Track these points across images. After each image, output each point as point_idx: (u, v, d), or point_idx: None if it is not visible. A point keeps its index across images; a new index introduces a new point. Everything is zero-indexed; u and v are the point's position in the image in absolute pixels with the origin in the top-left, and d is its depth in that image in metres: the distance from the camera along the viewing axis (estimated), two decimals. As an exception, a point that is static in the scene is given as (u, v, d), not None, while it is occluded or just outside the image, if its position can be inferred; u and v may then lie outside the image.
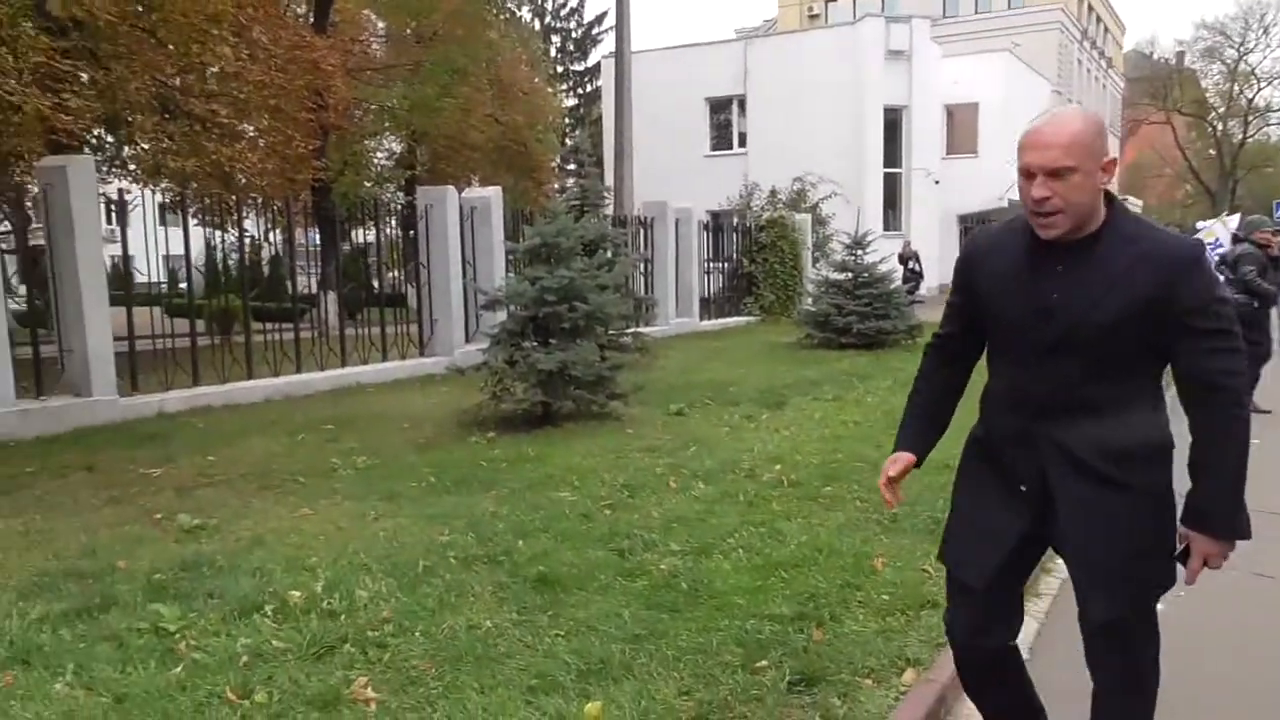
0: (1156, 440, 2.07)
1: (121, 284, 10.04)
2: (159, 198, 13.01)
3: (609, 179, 18.55)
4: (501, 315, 8.52)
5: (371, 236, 15.38)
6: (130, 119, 11.84)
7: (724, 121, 29.56)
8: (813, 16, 44.93)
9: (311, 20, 19.02)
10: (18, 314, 12.12)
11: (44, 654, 3.39)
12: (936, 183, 27.42)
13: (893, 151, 26.72)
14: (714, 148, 29.47)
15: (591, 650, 3.33)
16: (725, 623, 3.58)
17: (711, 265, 19.03)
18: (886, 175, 26.65)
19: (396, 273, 15.72)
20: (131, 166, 14.02)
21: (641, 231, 16.39)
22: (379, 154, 26.98)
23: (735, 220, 20.66)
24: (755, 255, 19.46)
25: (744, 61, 28.23)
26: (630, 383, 8.43)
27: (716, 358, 12.61)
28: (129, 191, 10.43)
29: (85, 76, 11.07)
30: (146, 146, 12.68)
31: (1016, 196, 2.10)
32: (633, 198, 17.45)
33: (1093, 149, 1.95)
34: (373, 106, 22.74)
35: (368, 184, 24.65)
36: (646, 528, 4.80)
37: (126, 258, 9.25)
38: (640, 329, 11.07)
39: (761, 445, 6.85)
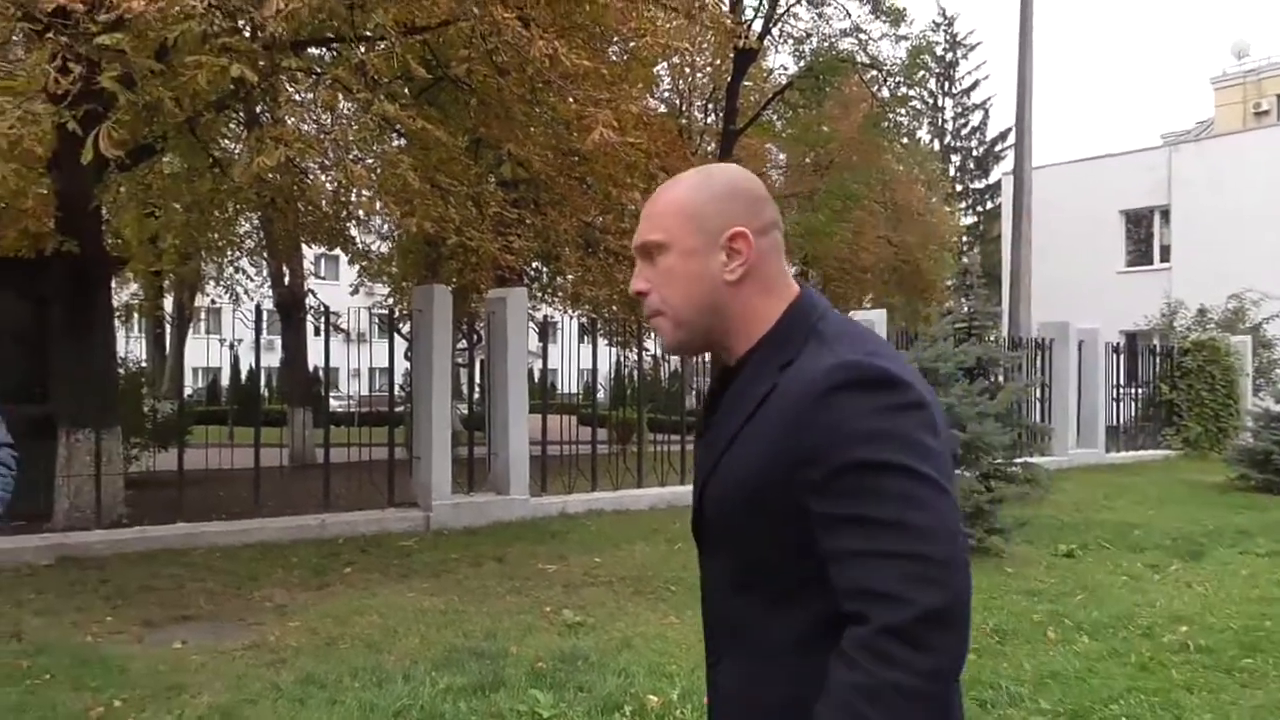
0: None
1: (542, 395, 11.50)
2: (577, 321, 14.81)
3: (1005, 298, 17.72)
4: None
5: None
6: (559, 254, 13.70)
7: (1142, 235, 27.00)
8: (1260, 113, 39.94)
9: (718, 159, 20.81)
10: (462, 418, 14.32)
11: (444, 721, 3.94)
12: None
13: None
14: (1129, 263, 26.93)
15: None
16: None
17: (1123, 392, 17.21)
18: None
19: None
20: (558, 294, 16.12)
21: (1039, 354, 15.36)
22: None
23: (1155, 342, 18.60)
24: (1178, 381, 17.29)
25: (1168, 168, 25.74)
26: (1013, 518, 7.87)
27: (1122, 495, 11.29)
28: (552, 317, 12.01)
29: (528, 221, 13.10)
30: (571, 277, 14.56)
31: None
32: (1030, 318, 16.48)
33: (699, 217, 1.27)
34: (769, 233, 23.92)
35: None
36: (1015, 679, 4.43)
37: (546, 372, 10.61)
38: (1031, 459, 10.31)
39: (1166, 600, 6.02)
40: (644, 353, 12.72)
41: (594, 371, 11.13)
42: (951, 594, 1.08)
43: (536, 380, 12.97)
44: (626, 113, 9.30)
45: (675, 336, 1.31)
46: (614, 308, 14.18)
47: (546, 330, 10.76)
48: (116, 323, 10.56)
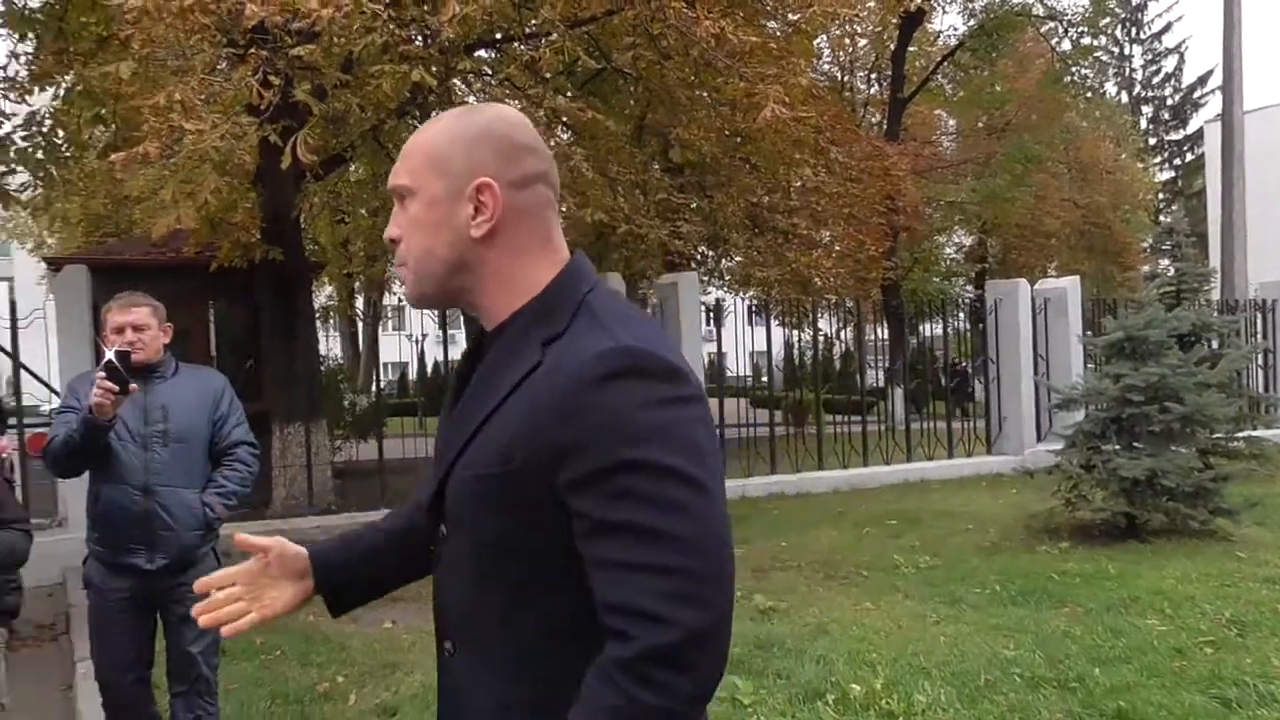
0: None
1: (715, 378, 11.46)
2: (747, 303, 14.66)
3: (1214, 259, 16.25)
4: (1078, 415, 7.91)
5: (939, 331, 15.46)
6: (726, 237, 13.60)
7: (1377, 179, 24.13)
8: None
9: (884, 129, 20.09)
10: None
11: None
12: None
13: None
14: (1362, 212, 24.15)
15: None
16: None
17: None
18: None
19: (965, 366, 15.54)
20: (726, 277, 16.01)
21: (1260, 317, 13.99)
22: (948, 249, 27.12)
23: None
24: None
25: (1406, 103, 22.88)
26: (1242, 497, 7.18)
27: (1370, 471, 10.11)
28: (723, 299, 11.93)
29: (694, 205, 13.06)
30: (739, 259, 14.43)
31: None
32: (1245, 279, 15.03)
33: (442, 161, 1.12)
34: (941, 203, 23.04)
35: (936, 279, 24.86)
36: (1263, 676, 4.01)
37: (720, 355, 10.55)
38: (1258, 433, 9.39)
39: None
40: (817, 333, 12.44)
41: (768, 353, 10.98)
42: (717, 614, 1.00)
43: (708, 364, 12.92)
44: (795, 86, 9.05)
45: (416, 289, 1.18)
46: (784, 288, 13.95)
47: (717, 313, 10.70)
48: (317, 323, 11.30)
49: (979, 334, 12.86)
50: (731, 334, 11.40)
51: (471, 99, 12.62)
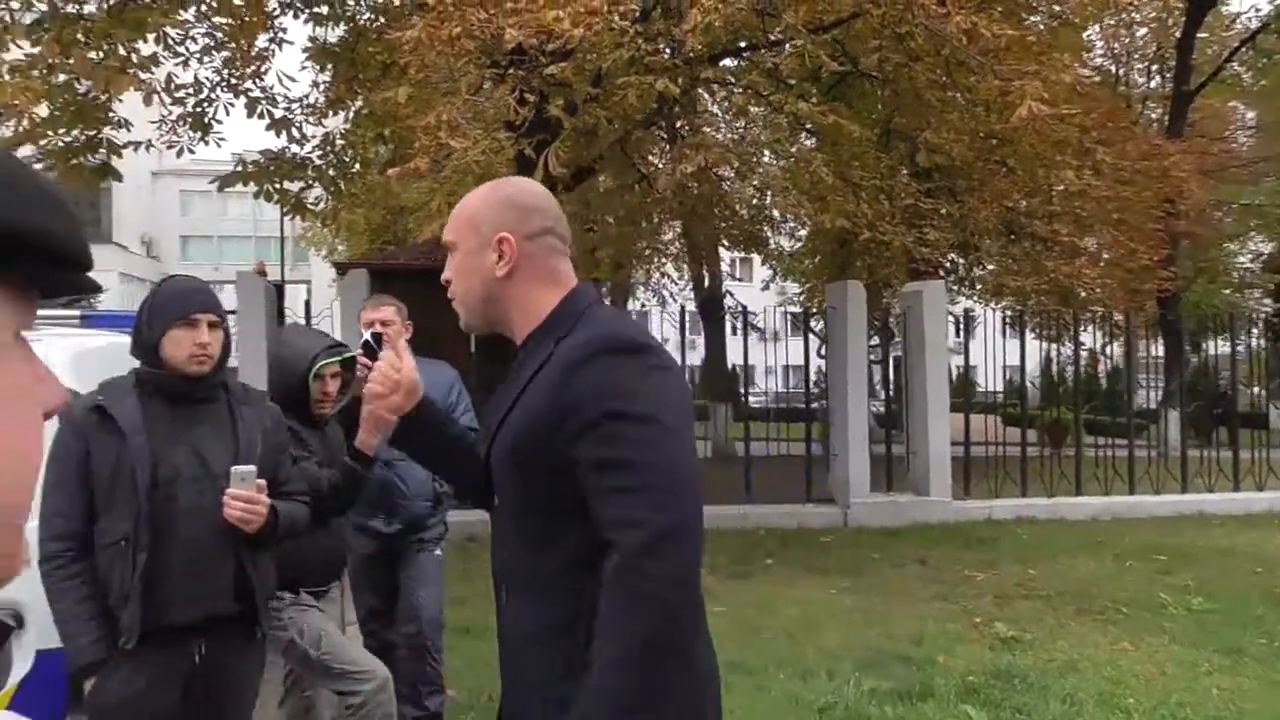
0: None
1: (962, 393, 10.89)
2: (1000, 314, 13.82)
3: None
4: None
5: (1226, 349, 13.83)
6: (978, 244, 12.89)
7: None
8: None
9: (1165, 125, 18.25)
10: (877, 416, 14.05)
11: (870, 724, 3.82)
12: None
13: None
14: None
15: None
16: None
17: None
18: None
19: (1257, 390, 13.81)
20: (977, 286, 15.19)
21: None
22: (1241, 258, 24.22)
23: None
24: None
25: None
26: None
27: None
28: (971, 310, 11.32)
29: (943, 211, 12.48)
30: (992, 267, 13.62)
31: None
32: None
33: (477, 222, 1.53)
34: (1234, 206, 20.60)
35: (1225, 291, 22.28)
36: None
37: (968, 369, 10.02)
38: None
39: None
40: (1079, 347, 11.50)
41: (1021, 368, 10.28)
42: (680, 516, 1.29)
43: (956, 377, 12.32)
44: (1057, 83, 8.44)
45: (465, 319, 1.56)
46: (1041, 298, 13.02)
47: (966, 324, 10.16)
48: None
49: (1277, 354, 11.39)
50: (982, 347, 10.79)
51: (715, 108, 12.78)
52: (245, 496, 2.24)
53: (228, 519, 2.24)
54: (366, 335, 3.18)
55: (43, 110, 6.36)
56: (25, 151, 9.13)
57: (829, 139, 10.22)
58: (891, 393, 11.90)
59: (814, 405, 10.06)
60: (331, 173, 8.68)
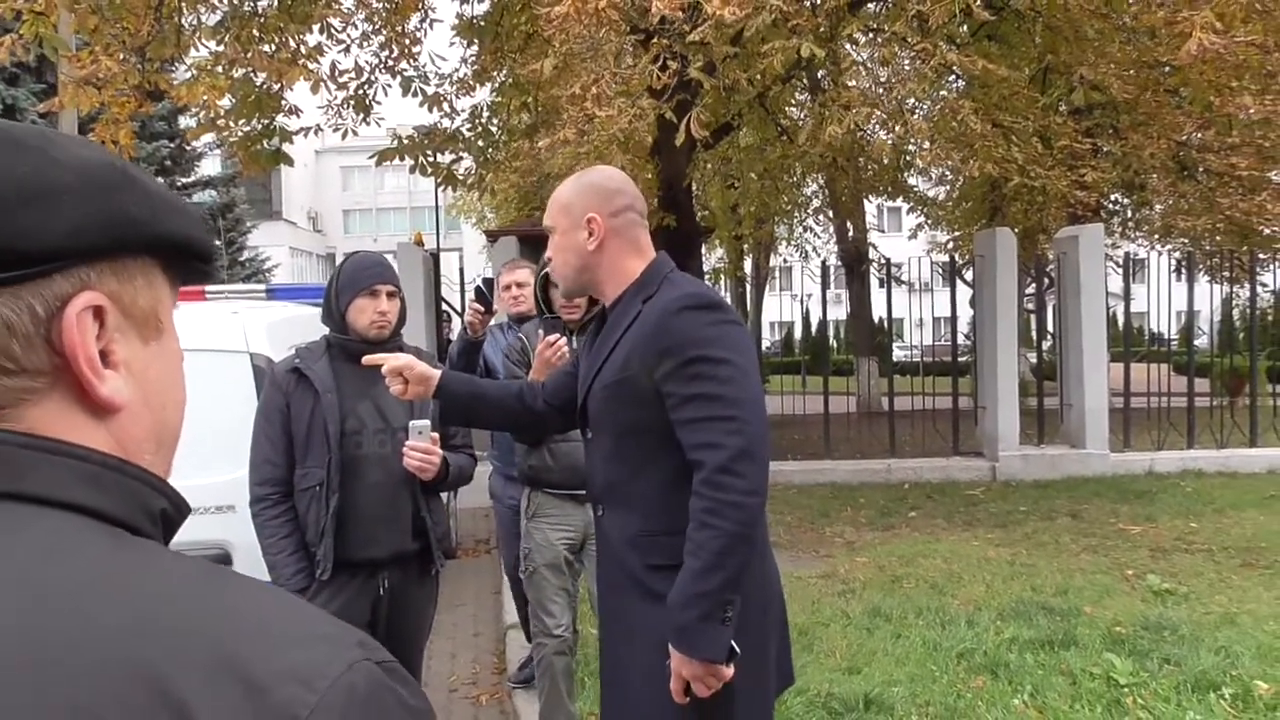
0: None
1: (1126, 342, 10.40)
2: (1169, 256, 13.04)
3: None
4: None
5: None
6: (1144, 183, 12.16)
7: None
8: None
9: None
10: (1032, 367, 13.57)
11: (1009, 670, 3.88)
12: None
13: None
14: None
15: None
16: None
17: None
18: None
19: None
20: (1143, 228, 14.35)
21: None
22: None
23: None
24: None
25: None
26: None
27: None
28: (1135, 254, 10.75)
29: (1105, 150, 11.81)
30: (1160, 207, 12.84)
31: None
32: None
33: (569, 207, 1.85)
34: None
35: None
36: None
37: (1128, 315, 9.57)
38: None
39: None
40: (1259, 288, 10.73)
41: (1189, 313, 9.73)
42: (751, 438, 1.63)
43: (1120, 325, 11.75)
44: (1233, 3, 7.85)
45: (564, 287, 1.96)
46: (1217, 238, 12.18)
47: (1128, 268, 9.67)
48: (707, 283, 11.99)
49: None
50: (1149, 292, 10.24)
51: (858, 55, 12.48)
52: (422, 448, 2.50)
53: (406, 467, 2.51)
54: (478, 281, 3.52)
55: (225, 103, 6.98)
56: (207, 139, 9.98)
57: (978, 83, 9.86)
58: (1049, 343, 11.48)
59: (963, 358, 9.86)
60: (480, 143, 9.09)
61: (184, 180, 22.18)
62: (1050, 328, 11.16)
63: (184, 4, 6.37)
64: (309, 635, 0.52)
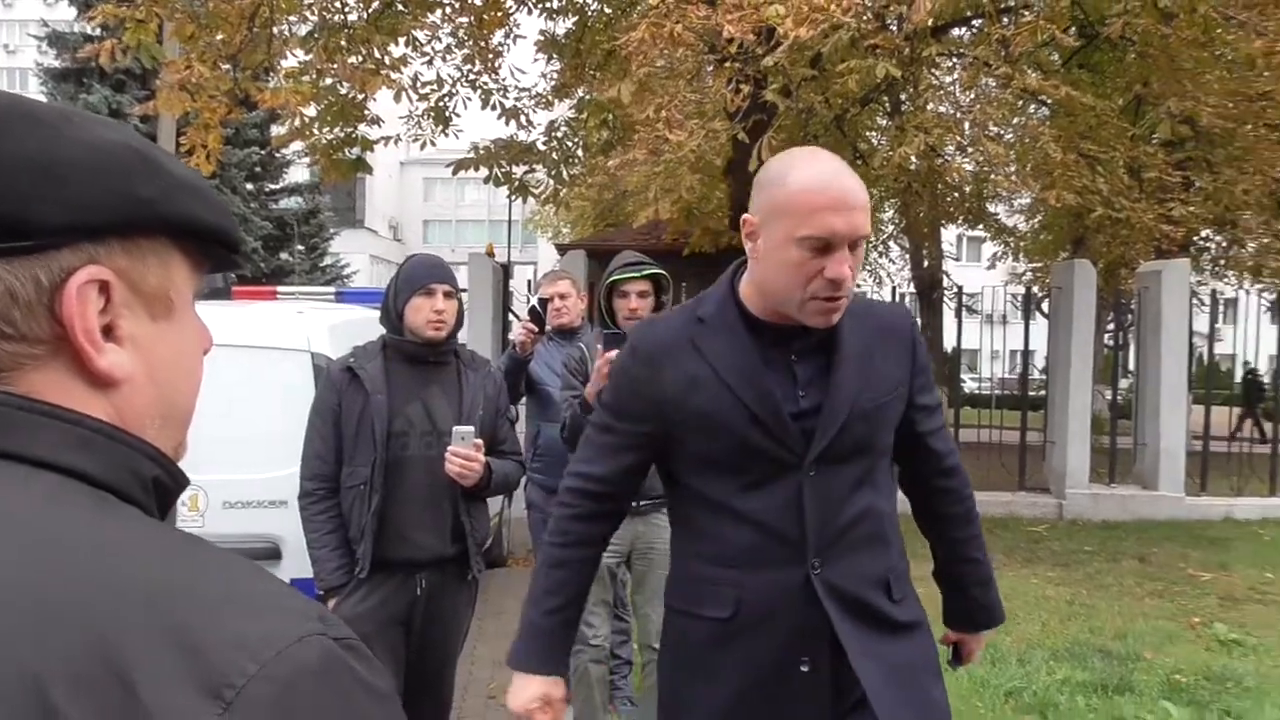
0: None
1: (1209, 384, 10.02)
2: (1257, 296, 12.53)
3: None
4: None
5: None
6: (1236, 220, 11.73)
7: None
8: None
9: None
10: (1108, 404, 13.15)
11: (1058, 712, 3.78)
12: None
13: None
14: None
15: None
16: None
17: None
18: None
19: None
20: (1233, 267, 13.83)
21: None
22: None
23: None
24: None
25: None
26: None
27: None
28: (1222, 293, 10.38)
29: (1196, 184, 11.42)
30: (1252, 246, 12.35)
31: None
32: None
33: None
34: None
35: None
36: None
37: (1212, 355, 9.23)
38: None
39: None
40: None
41: (1278, 356, 9.34)
42: None
43: (1199, 363, 11.31)
44: (1338, 32, 7.56)
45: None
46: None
47: (1214, 307, 9.33)
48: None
49: None
50: (1237, 332, 9.85)
51: (940, 79, 12.28)
52: (463, 454, 2.52)
53: (447, 473, 2.53)
54: (533, 301, 3.52)
55: (310, 111, 7.23)
56: (295, 146, 10.33)
57: (1063, 111, 9.65)
58: (1128, 380, 11.11)
59: (1036, 392, 9.60)
60: (555, 156, 9.24)
61: (272, 186, 22.96)
62: (1130, 365, 10.82)
63: (275, 14, 6.63)
64: (266, 607, 0.52)
